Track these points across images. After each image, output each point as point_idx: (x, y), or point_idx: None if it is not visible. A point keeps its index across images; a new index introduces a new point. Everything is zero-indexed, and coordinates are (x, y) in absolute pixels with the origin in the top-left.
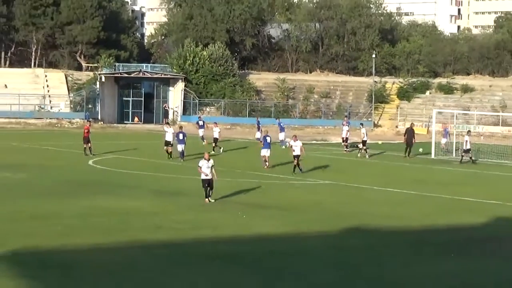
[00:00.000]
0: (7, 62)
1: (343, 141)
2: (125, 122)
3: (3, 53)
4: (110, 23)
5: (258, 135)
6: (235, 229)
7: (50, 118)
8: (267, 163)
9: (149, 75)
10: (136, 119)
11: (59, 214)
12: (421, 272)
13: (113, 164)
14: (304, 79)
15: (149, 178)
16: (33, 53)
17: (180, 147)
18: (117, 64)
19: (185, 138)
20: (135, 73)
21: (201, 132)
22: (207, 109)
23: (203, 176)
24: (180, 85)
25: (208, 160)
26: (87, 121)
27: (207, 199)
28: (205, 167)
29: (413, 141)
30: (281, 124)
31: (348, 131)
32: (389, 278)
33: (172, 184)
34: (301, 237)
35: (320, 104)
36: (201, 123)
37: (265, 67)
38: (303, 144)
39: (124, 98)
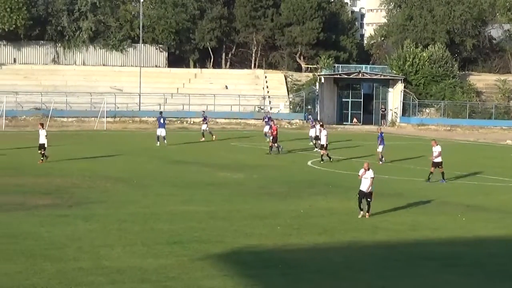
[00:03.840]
0: (228, 64)
1: None
2: (344, 123)
3: (223, 55)
4: (330, 24)
5: (312, 132)
6: (454, 231)
7: None
8: (383, 158)
9: (368, 76)
10: (355, 120)
11: (278, 214)
12: None
13: (332, 165)
14: None
15: None
16: (253, 54)
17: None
18: (336, 65)
19: None
20: (354, 74)
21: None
22: (427, 111)
23: (361, 187)
24: (400, 86)
25: (368, 169)
26: (271, 120)
27: (361, 213)
28: (364, 178)
29: None
30: (267, 118)
31: None
32: None
33: (389, 185)
34: None
35: None
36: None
37: (485, 68)
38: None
39: (343, 99)
